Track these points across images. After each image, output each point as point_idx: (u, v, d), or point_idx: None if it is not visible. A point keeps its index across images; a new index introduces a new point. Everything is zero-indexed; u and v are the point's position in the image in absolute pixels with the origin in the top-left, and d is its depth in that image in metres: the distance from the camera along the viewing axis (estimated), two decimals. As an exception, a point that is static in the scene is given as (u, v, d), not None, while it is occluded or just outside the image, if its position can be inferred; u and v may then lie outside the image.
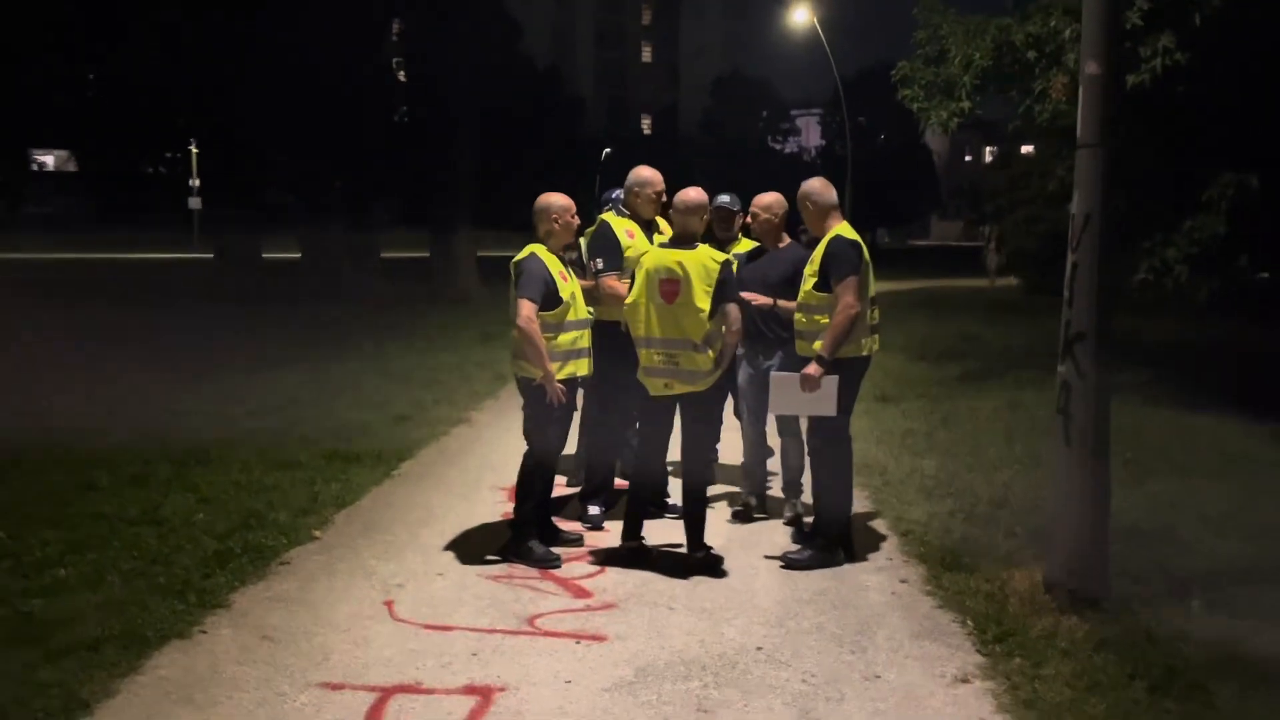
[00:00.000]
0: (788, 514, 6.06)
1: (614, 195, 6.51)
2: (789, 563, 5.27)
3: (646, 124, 73.92)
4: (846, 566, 5.28)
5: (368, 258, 27.22)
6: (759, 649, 4.23)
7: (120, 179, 31.24)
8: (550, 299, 5.17)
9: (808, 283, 5.32)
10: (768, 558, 5.39)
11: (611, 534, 5.81)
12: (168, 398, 9.76)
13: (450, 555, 5.41)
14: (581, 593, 4.87)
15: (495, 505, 6.40)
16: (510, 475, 7.06)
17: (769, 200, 5.97)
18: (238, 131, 24.76)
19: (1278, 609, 4.47)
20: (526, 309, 5.07)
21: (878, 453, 7.73)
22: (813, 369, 5.12)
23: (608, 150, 55.39)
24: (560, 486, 6.16)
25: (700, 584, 5.00)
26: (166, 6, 22.87)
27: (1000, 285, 29.42)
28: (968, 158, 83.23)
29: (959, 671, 4.03)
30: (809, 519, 6.00)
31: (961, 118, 9.26)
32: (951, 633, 4.42)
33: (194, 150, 34.04)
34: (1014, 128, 9.37)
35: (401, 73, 34.79)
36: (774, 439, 6.19)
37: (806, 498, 6.09)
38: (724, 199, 6.28)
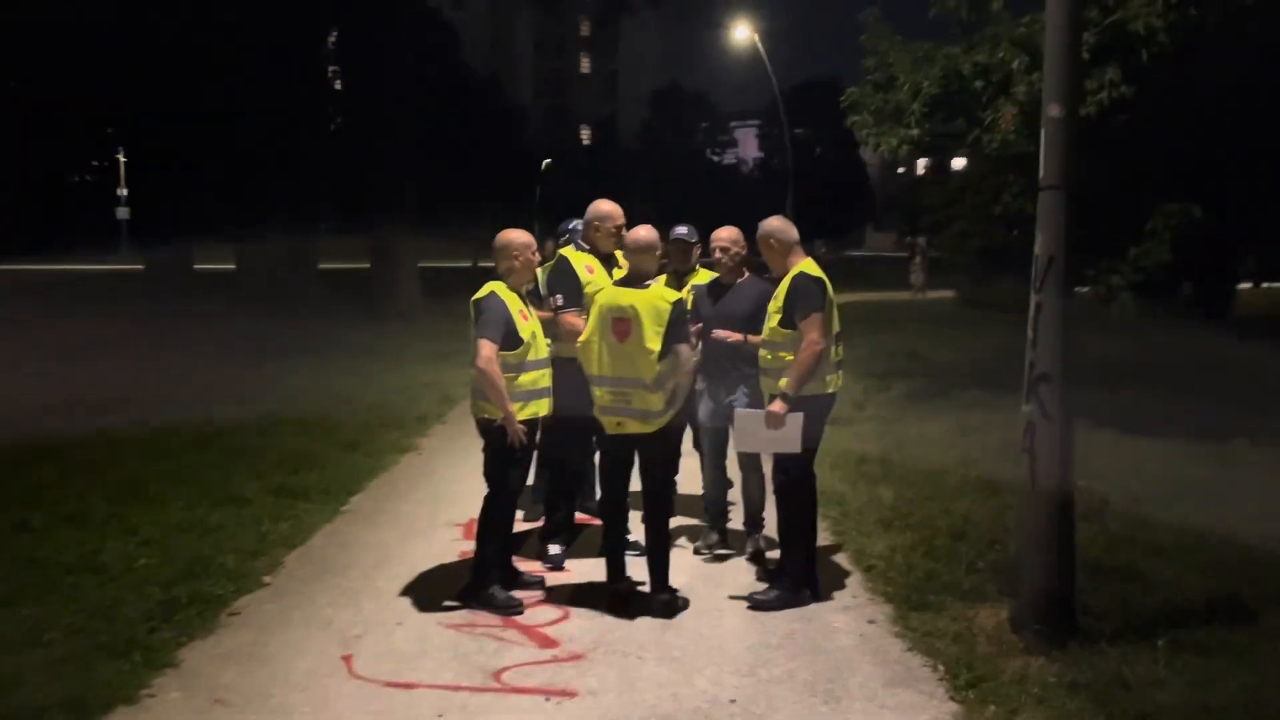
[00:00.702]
0: (750, 549, 6.00)
1: (571, 226, 6.41)
2: (756, 604, 5.20)
3: (585, 135, 73.88)
4: (813, 606, 5.22)
5: (305, 269, 26.72)
6: (732, 701, 4.15)
7: (42, 188, 30.20)
8: (510, 339, 5.05)
9: (772, 319, 5.27)
10: (733, 598, 5.31)
11: (572, 573, 5.71)
12: (90, 419, 9.41)
13: (408, 601, 5.25)
14: (547, 642, 4.74)
15: (451, 543, 6.24)
16: (465, 509, 6.97)
17: (734, 235, 5.92)
18: (168, 139, 24.11)
19: (1245, 648, 4.49)
20: (486, 349, 4.94)
21: (834, 480, 7.70)
22: (778, 406, 5.07)
23: (547, 160, 55.31)
24: (517, 523, 6.01)
25: (667, 629, 4.91)
26: (98, 7, 22.22)
27: (930, 298, 29.90)
28: (901, 170, 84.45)
29: (934, 721, 3.99)
30: (771, 554, 5.96)
31: (911, 145, 9.34)
32: (923, 678, 4.39)
33: (122, 159, 33.11)
34: (961, 154, 9.43)
35: (338, 81, 34.26)
36: (733, 471, 6.14)
37: (768, 532, 6.05)
38: (681, 230, 6.21)
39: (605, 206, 5.87)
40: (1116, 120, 7.93)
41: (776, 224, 5.40)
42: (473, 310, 5.13)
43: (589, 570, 5.74)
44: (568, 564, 5.79)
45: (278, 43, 23.46)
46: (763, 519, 6.05)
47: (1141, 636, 4.65)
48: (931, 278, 31.79)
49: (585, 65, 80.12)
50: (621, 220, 5.80)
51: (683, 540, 6.21)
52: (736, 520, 6.23)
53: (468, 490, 7.42)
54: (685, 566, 5.76)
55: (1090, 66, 7.90)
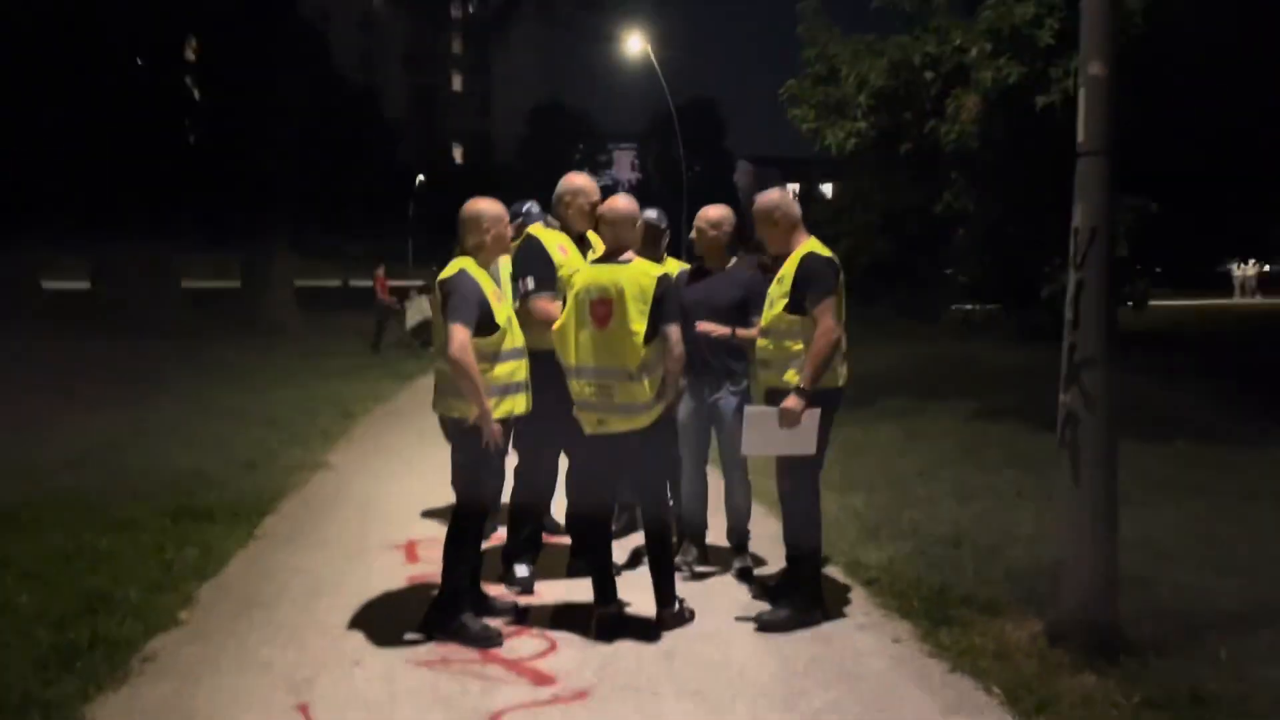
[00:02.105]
0: (737, 565, 5.39)
1: (525, 209, 5.72)
2: (765, 625, 4.58)
3: (459, 153, 72.53)
4: (826, 625, 4.64)
5: (168, 287, 24.92)
6: (780, 742, 3.52)
7: None
8: (485, 324, 4.33)
9: (776, 306, 4.69)
10: (739, 619, 4.68)
11: (544, 596, 4.99)
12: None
13: (361, 636, 4.43)
14: (541, 678, 4.01)
15: (395, 568, 5.43)
16: (400, 529, 6.18)
17: (719, 215, 5.33)
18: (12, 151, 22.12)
19: None
20: (460, 335, 4.21)
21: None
22: (793, 402, 4.48)
23: (421, 178, 53.94)
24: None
25: (674, 658, 4.24)
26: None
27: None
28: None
29: (1019, 756, 3.45)
30: (758, 570, 5.37)
31: (858, 139, 8.95)
32: (980, 704, 3.84)
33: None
34: (906, 150, 9.10)
35: (196, 91, 32.36)
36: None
37: (754, 547, 5.47)
38: (650, 214, 5.57)
39: (578, 180, 5.21)
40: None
41: (778, 197, 4.83)
42: (439, 292, 4.40)
43: (561, 593, 5.03)
44: (538, 586, 5.06)
45: (127, 48, 21.87)
46: (748, 531, 5.46)
47: (1192, 646, 4.24)
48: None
49: (457, 83, 78.74)
50: (596, 196, 5.15)
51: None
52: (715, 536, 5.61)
53: (398, 509, 6.65)
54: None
55: (1055, 53, 7.69)
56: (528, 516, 5.14)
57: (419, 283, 20.31)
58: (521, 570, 5.07)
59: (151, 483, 7.09)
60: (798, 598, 4.69)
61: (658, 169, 68.69)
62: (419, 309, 19.66)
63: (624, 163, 71.19)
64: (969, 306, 26.74)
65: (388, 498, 6.99)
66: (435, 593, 4.57)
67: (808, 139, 9.53)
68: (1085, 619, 4.27)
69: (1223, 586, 4.96)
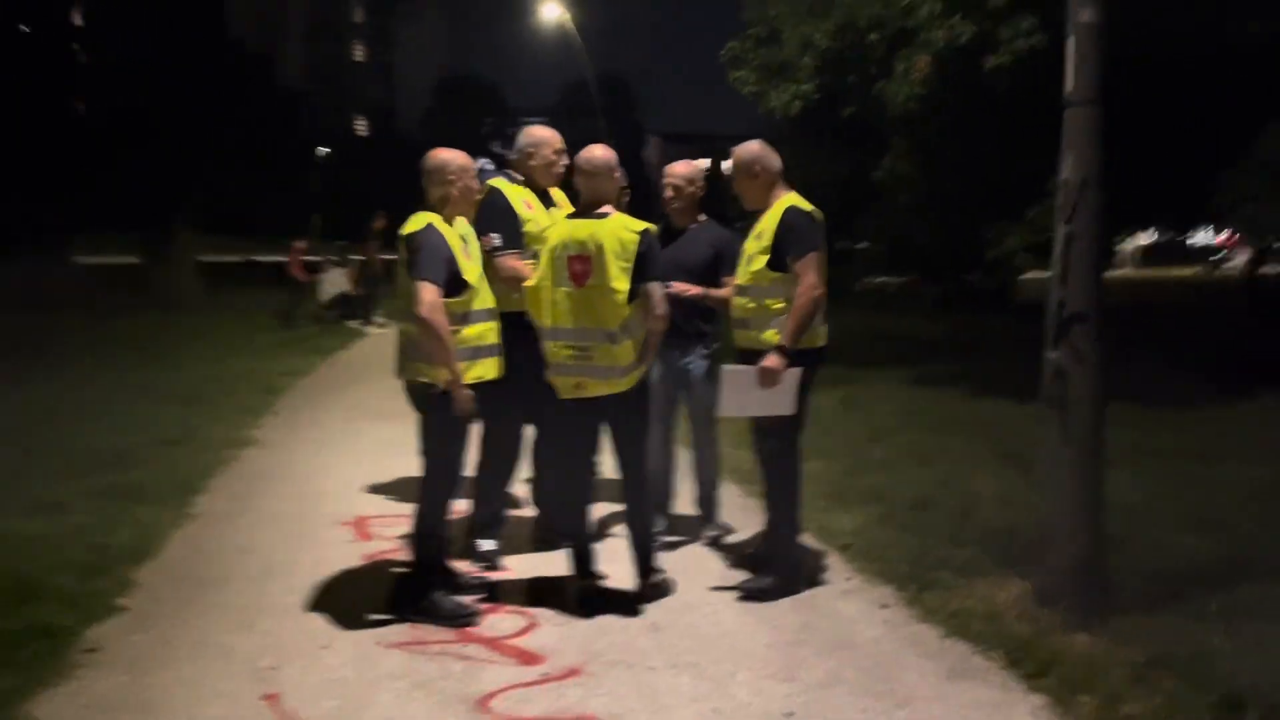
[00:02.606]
0: (708, 534, 5.22)
1: (479, 166, 5.41)
2: (749, 593, 4.43)
3: (362, 125, 70.57)
4: (808, 593, 4.51)
5: (60, 262, 23.64)
6: (789, 715, 3.36)
7: None
8: (454, 282, 4.05)
9: (755, 262, 4.50)
10: (718, 589, 4.51)
11: (513, 572, 4.75)
12: None
13: (325, 619, 4.14)
14: (527, 657, 3.78)
15: (347, 545, 5.12)
16: (346, 505, 5.88)
17: (691, 170, 5.11)
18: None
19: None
20: (429, 294, 3.92)
21: (746, 456, 7.03)
22: (773, 360, 4.31)
23: (325, 150, 52.28)
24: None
25: (661, 630, 4.05)
26: None
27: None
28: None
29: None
30: (730, 539, 5.22)
31: (804, 101, 8.80)
32: (982, 668, 3.74)
33: None
34: (850, 113, 9.01)
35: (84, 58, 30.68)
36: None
37: (723, 515, 5.31)
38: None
39: (542, 132, 4.94)
40: (1027, 75, 7.69)
41: (757, 149, 4.62)
42: (403, 247, 4.09)
43: (529, 566, 4.81)
44: (505, 562, 4.81)
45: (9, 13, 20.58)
46: (716, 499, 5.30)
47: (1180, 604, 4.21)
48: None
49: (360, 53, 76.47)
50: (561, 145, 4.88)
51: (618, 529, 5.35)
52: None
53: (338, 485, 6.35)
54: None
55: (1006, 14, 7.64)
56: (493, 489, 4.87)
57: (333, 257, 19.65)
58: (486, 544, 4.81)
59: (72, 462, 6.61)
60: (780, 565, 4.54)
61: (570, 143, 68.00)
62: (333, 282, 19.06)
63: (534, 137, 70.15)
64: (881, 279, 27.13)
65: (325, 473, 6.64)
66: (398, 570, 4.30)
67: (750, 101, 9.41)
68: (1075, 580, 4.21)
69: (1199, 544, 4.97)
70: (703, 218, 5.15)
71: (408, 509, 5.66)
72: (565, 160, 4.84)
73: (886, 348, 13.06)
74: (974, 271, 13.90)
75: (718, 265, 4.96)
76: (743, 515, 5.47)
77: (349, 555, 4.95)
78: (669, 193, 5.08)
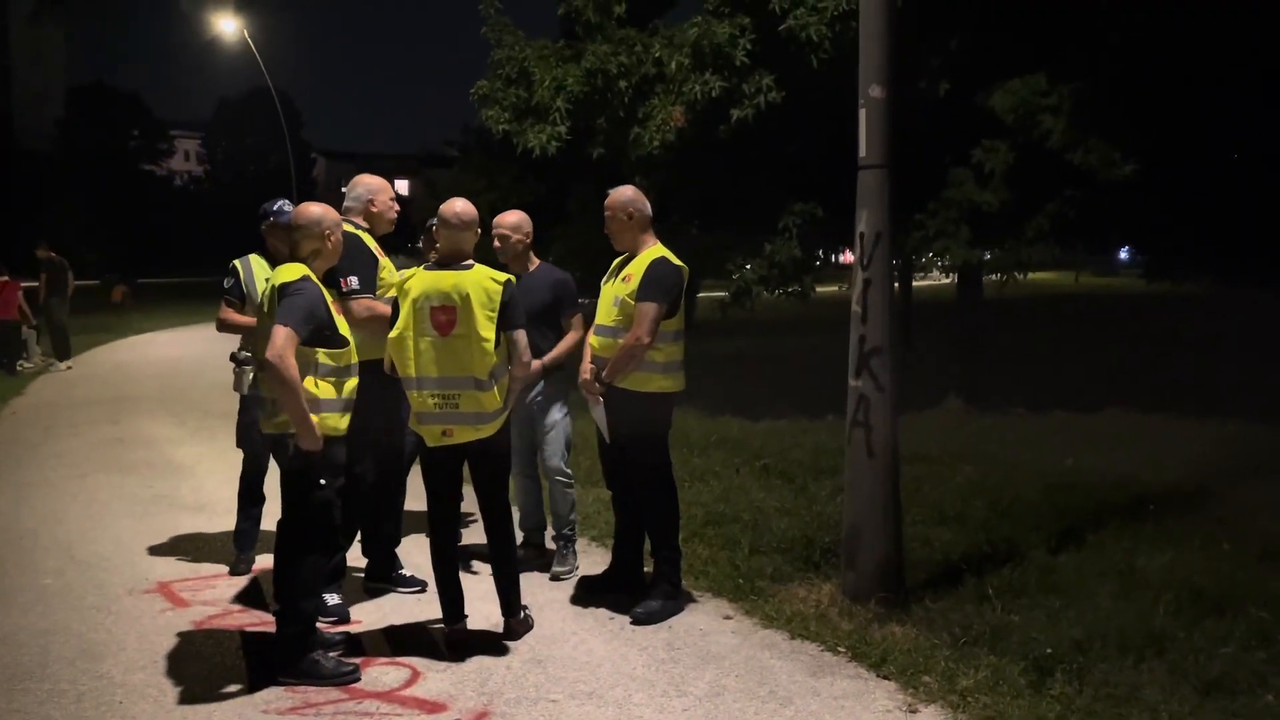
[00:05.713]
0: (565, 566, 5.42)
1: (277, 207, 5.32)
2: (639, 619, 4.70)
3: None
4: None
5: None
6: (700, 730, 3.67)
7: None
8: (330, 337, 4.03)
9: (627, 306, 4.77)
10: (577, 618, 4.73)
11: (363, 623, 4.70)
12: None
13: (189, 694, 3.91)
14: (430, 706, 3.81)
15: (167, 615, 4.81)
16: (134, 570, 5.49)
17: (517, 219, 5.31)
18: None
19: (1074, 584, 4.92)
20: (282, 338, 3.81)
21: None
22: (587, 378, 4.84)
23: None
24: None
25: (545, 663, 4.22)
26: None
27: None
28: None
29: (897, 704, 3.86)
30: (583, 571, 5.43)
31: (559, 142, 9.12)
32: (836, 664, 4.23)
33: None
34: (598, 155, 9.45)
35: None
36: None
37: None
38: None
39: (374, 180, 4.98)
40: (764, 126, 8.51)
41: (631, 194, 4.92)
42: (274, 295, 3.99)
43: (375, 616, 4.78)
44: (354, 613, 4.75)
45: None
46: (574, 533, 5.54)
47: (956, 590, 4.93)
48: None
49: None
50: (392, 193, 4.94)
51: (474, 564, 5.43)
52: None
53: (109, 549, 5.89)
54: (484, 592, 4.90)
55: (749, 71, 8.40)
56: (337, 540, 4.79)
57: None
58: (332, 598, 4.73)
59: None
60: (664, 588, 4.86)
61: (227, 160, 64.18)
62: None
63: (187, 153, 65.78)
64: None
65: (88, 538, 6.11)
66: (257, 632, 4.15)
67: (500, 138, 9.63)
68: (883, 576, 4.85)
69: (941, 536, 5.81)
70: (536, 262, 5.37)
71: (204, 569, 5.47)
72: (398, 207, 4.90)
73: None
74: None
75: (557, 308, 5.23)
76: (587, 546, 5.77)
77: (175, 624, 4.67)
78: (496, 243, 5.25)
